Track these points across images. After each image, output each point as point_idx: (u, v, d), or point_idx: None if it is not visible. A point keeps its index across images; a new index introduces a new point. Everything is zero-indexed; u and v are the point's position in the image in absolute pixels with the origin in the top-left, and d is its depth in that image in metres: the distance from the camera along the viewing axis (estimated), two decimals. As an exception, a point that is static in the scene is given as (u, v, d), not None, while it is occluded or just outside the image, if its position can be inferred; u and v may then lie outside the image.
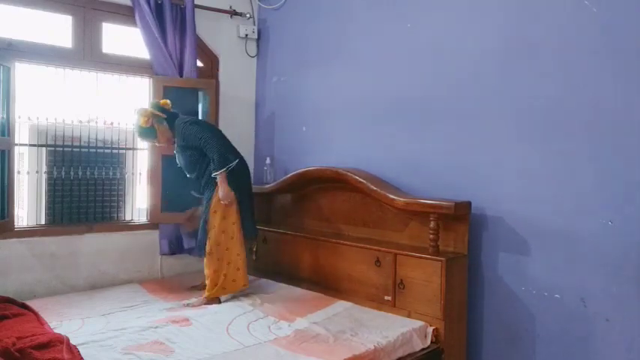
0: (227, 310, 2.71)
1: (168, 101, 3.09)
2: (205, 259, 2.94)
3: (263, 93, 4.00)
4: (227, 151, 2.94)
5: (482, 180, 2.65)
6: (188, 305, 2.80)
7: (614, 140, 2.21)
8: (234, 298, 2.94)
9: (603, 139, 2.23)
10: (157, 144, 3.11)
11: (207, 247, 2.93)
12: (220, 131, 3.10)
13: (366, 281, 2.85)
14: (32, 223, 3.19)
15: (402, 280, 2.67)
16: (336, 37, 3.43)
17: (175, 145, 3.06)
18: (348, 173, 3.03)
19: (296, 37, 3.74)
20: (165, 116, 3.01)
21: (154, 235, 3.49)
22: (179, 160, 3.09)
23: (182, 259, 3.61)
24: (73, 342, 2.11)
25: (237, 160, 2.94)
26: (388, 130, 3.09)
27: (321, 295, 2.98)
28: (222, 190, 2.88)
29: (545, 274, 2.42)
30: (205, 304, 2.83)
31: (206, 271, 2.93)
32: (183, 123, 2.98)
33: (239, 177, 2.99)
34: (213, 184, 2.95)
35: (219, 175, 2.87)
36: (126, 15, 3.36)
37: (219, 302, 2.86)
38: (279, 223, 3.63)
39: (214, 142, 2.88)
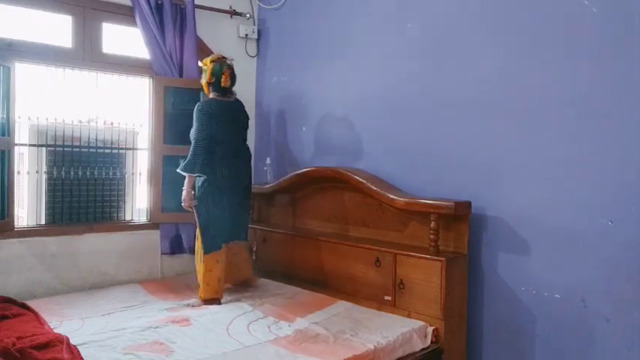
0: (227, 310, 2.70)
1: (227, 85, 3.00)
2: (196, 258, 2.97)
3: (263, 93, 4.00)
4: (203, 158, 2.83)
5: (482, 180, 2.65)
6: (188, 305, 2.80)
7: (614, 140, 2.21)
8: (234, 298, 2.94)
9: (603, 139, 2.23)
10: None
11: (196, 247, 2.94)
12: (225, 131, 2.93)
13: (366, 281, 2.85)
14: (32, 223, 3.19)
15: (402, 280, 2.67)
16: (336, 36, 3.43)
17: None
18: (348, 173, 3.03)
19: (296, 37, 3.74)
20: (209, 82, 2.97)
21: (153, 235, 3.49)
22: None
23: (182, 259, 3.61)
24: (73, 342, 2.11)
25: (200, 175, 2.85)
26: (388, 129, 3.09)
27: (321, 295, 2.98)
28: (183, 193, 2.88)
29: (545, 274, 2.43)
30: (204, 304, 2.83)
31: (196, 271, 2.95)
32: (202, 104, 2.93)
33: (225, 183, 2.90)
34: (200, 179, 2.89)
35: (186, 177, 2.86)
36: (126, 15, 3.36)
37: (219, 303, 2.86)
38: (279, 223, 3.63)
39: (198, 143, 2.84)
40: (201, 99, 3.66)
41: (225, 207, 2.92)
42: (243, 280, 3.17)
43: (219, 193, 2.90)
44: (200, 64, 3.04)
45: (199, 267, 2.91)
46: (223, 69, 2.97)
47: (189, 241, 3.54)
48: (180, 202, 3.53)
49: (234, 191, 2.97)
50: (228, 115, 2.99)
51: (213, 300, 2.86)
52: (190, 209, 2.93)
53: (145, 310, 2.70)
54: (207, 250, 2.88)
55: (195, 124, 2.89)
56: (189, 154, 2.86)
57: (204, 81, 3.01)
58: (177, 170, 2.88)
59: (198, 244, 2.93)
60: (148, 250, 3.47)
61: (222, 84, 2.97)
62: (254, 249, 3.54)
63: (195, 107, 2.93)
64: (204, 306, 2.80)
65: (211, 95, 3.01)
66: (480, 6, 2.66)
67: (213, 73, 2.96)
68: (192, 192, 2.91)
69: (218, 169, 2.90)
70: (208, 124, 2.87)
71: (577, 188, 2.32)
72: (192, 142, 2.87)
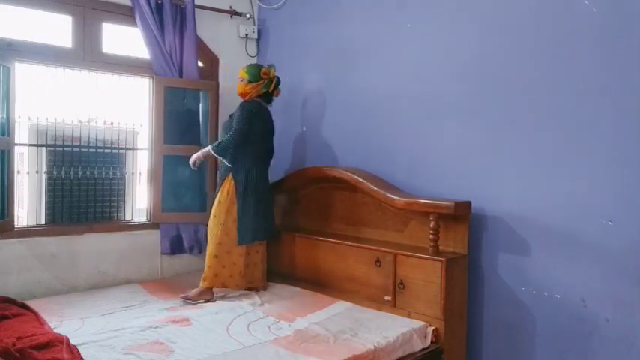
0: (227, 310, 2.70)
1: (278, 94, 3.25)
2: (208, 248, 3.03)
3: (263, 93, 4.00)
4: (237, 148, 2.99)
5: (482, 180, 2.65)
6: (185, 298, 2.84)
7: (614, 140, 2.21)
8: (234, 298, 2.94)
9: (603, 139, 2.23)
10: (238, 83, 3.18)
11: (211, 237, 3.03)
12: (264, 134, 3.12)
13: (366, 281, 2.85)
14: (32, 223, 3.19)
15: (402, 280, 2.67)
16: (336, 36, 3.43)
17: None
18: (348, 173, 3.03)
19: (296, 37, 3.74)
20: (269, 91, 3.15)
21: (153, 235, 3.49)
22: (225, 122, 3.23)
23: (182, 259, 3.61)
24: (73, 342, 2.11)
25: (230, 162, 3.00)
26: (388, 129, 3.09)
27: (321, 295, 2.97)
28: (196, 155, 3.07)
29: (545, 274, 2.43)
30: (200, 293, 2.88)
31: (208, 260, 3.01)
32: (249, 103, 3.09)
33: (256, 183, 3.05)
34: (232, 171, 3.03)
35: (209, 150, 3.02)
36: (126, 15, 3.36)
37: (212, 296, 2.92)
38: (279, 223, 3.62)
39: (238, 133, 2.97)
40: (203, 99, 3.68)
41: (256, 206, 3.05)
42: (253, 287, 3.14)
43: (253, 191, 3.04)
44: (257, 65, 3.23)
45: (216, 253, 2.98)
46: (280, 83, 3.22)
47: (189, 240, 3.54)
48: (179, 203, 3.58)
49: (264, 191, 3.13)
50: (268, 120, 3.18)
51: (208, 293, 2.92)
52: (195, 168, 3.14)
53: (144, 309, 2.70)
54: (241, 242, 3.01)
55: (239, 116, 3.01)
56: (227, 139, 2.99)
57: (263, 89, 3.13)
58: (209, 148, 3.02)
59: (220, 236, 2.99)
60: (148, 250, 3.47)
61: (276, 95, 3.24)
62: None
63: (246, 105, 3.07)
64: (200, 304, 2.80)
65: (254, 99, 3.14)
66: (480, 7, 2.66)
67: (275, 85, 3.18)
68: (203, 161, 3.14)
69: (255, 169, 3.05)
70: (251, 121, 3.02)
71: (577, 188, 2.32)
72: (232, 131, 2.99)
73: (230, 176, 3.04)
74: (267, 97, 3.20)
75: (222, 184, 3.08)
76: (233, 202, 3.02)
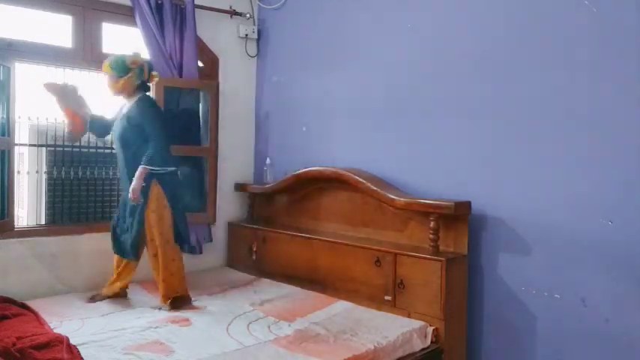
0: (227, 310, 2.70)
1: (157, 78, 2.96)
2: (151, 263, 2.82)
3: (263, 93, 4.00)
4: (169, 154, 2.80)
5: (482, 180, 2.65)
6: (163, 309, 2.70)
7: (614, 140, 2.21)
8: (234, 298, 2.94)
9: (603, 139, 2.24)
10: (107, 82, 2.83)
11: (152, 250, 2.79)
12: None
13: (366, 281, 2.85)
14: (32, 223, 3.19)
15: (402, 280, 2.67)
16: (336, 37, 3.43)
17: (124, 111, 2.85)
18: (348, 173, 3.03)
19: (296, 37, 3.74)
20: (144, 80, 2.85)
21: (153, 235, 3.48)
22: (120, 128, 2.83)
23: (182, 259, 3.60)
24: (73, 342, 2.10)
25: (175, 169, 2.82)
26: (388, 130, 3.10)
27: (321, 295, 2.98)
28: (136, 184, 2.66)
29: (545, 274, 2.43)
30: (173, 309, 2.69)
31: (156, 276, 2.80)
32: (151, 100, 2.89)
33: (176, 183, 2.89)
34: (155, 175, 2.73)
35: (142, 169, 2.67)
36: (126, 15, 3.36)
37: (190, 302, 2.77)
38: (279, 223, 3.63)
39: (165, 139, 2.76)
40: (203, 99, 3.67)
41: (184, 203, 2.99)
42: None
43: (179, 189, 2.95)
44: (120, 57, 2.82)
45: (162, 263, 2.76)
46: (153, 68, 2.94)
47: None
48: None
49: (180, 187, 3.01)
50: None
51: (182, 299, 2.76)
52: (139, 203, 2.73)
53: (144, 310, 2.70)
54: (184, 242, 2.94)
55: (155, 121, 2.76)
56: (157, 150, 2.70)
57: (137, 81, 2.80)
58: (144, 168, 2.68)
59: (155, 246, 2.78)
60: (148, 250, 3.46)
61: (151, 81, 2.93)
62: (254, 249, 3.54)
63: (145, 104, 2.80)
64: (181, 310, 2.68)
65: (141, 94, 2.86)
66: (479, 7, 2.66)
67: (149, 71, 2.87)
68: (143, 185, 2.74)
69: (174, 165, 2.86)
70: (164, 121, 2.84)
71: (577, 188, 2.32)
72: (157, 138, 2.72)
73: (155, 180, 2.74)
74: (145, 87, 2.89)
75: (147, 190, 2.74)
76: (164, 206, 2.77)
